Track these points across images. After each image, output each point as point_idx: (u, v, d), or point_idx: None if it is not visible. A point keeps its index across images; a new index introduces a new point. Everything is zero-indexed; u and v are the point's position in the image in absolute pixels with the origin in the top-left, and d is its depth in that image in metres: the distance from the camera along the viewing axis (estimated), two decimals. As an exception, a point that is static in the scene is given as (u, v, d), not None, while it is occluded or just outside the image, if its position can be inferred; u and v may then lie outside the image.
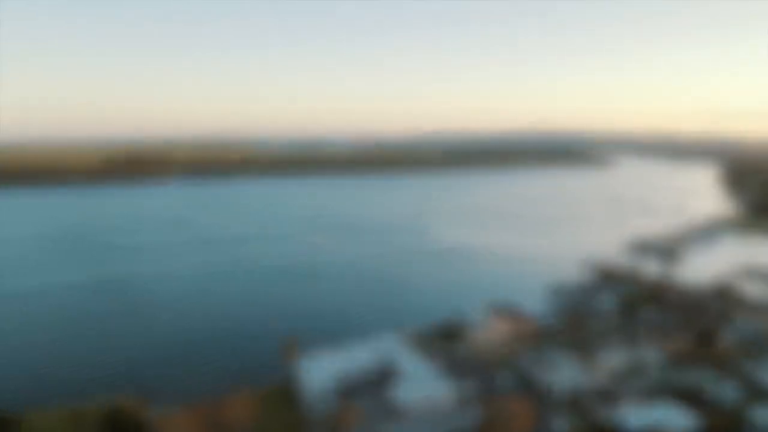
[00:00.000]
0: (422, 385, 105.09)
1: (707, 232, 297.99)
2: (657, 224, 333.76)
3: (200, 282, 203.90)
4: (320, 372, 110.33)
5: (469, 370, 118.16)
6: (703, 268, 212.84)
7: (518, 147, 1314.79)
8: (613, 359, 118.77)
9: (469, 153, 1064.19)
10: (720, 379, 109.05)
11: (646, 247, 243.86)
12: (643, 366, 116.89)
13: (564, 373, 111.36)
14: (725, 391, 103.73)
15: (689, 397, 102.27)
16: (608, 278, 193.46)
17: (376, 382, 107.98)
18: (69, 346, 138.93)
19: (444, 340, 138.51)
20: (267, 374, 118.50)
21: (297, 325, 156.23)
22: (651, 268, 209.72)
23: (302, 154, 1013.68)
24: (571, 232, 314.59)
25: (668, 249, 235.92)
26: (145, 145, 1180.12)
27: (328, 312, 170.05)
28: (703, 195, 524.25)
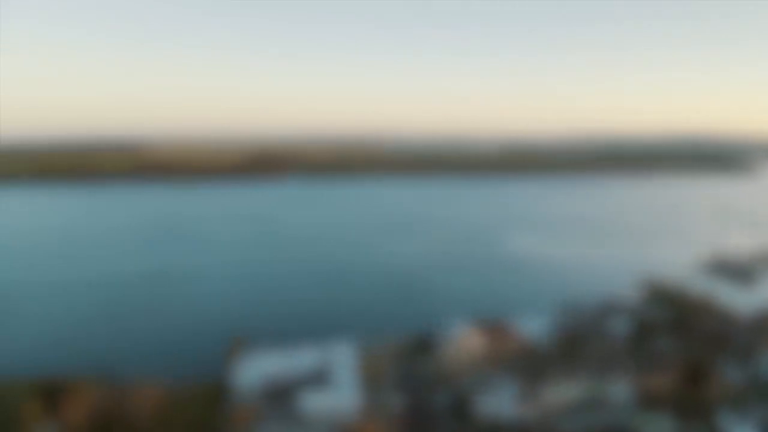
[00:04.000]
0: (337, 395, 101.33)
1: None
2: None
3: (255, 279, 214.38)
4: (251, 372, 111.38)
5: (408, 386, 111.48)
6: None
7: (658, 150, 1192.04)
8: (568, 392, 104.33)
9: (604, 156, 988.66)
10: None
11: (721, 267, 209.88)
12: (599, 404, 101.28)
13: (499, 401, 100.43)
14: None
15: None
16: (656, 298, 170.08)
17: (295, 388, 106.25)
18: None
19: (413, 352, 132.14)
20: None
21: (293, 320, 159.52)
22: (720, 291, 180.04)
23: (438, 153, 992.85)
24: (655, 246, 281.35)
25: (746, 270, 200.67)
26: (275, 143, 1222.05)
27: (329, 311, 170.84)
28: None
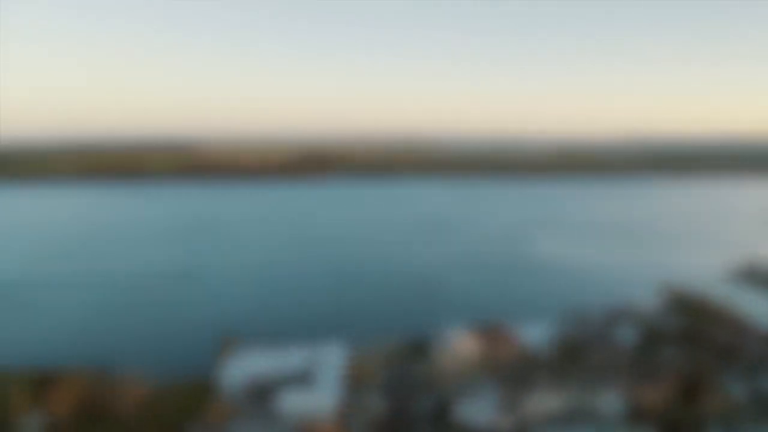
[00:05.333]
0: (315, 396, 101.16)
1: None
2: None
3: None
4: (237, 370, 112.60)
5: (394, 389, 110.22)
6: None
7: (706, 151, 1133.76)
8: (551, 402, 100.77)
9: (651, 157, 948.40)
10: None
11: (751, 274, 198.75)
12: (584, 416, 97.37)
13: (477, 409, 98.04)
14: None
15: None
16: (673, 305, 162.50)
17: (276, 387, 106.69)
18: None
19: (406, 355, 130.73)
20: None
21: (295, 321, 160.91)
22: (744, 299, 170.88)
23: (487, 154, 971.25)
24: (689, 250, 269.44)
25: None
26: (325, 143, 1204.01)
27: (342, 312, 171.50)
28: None
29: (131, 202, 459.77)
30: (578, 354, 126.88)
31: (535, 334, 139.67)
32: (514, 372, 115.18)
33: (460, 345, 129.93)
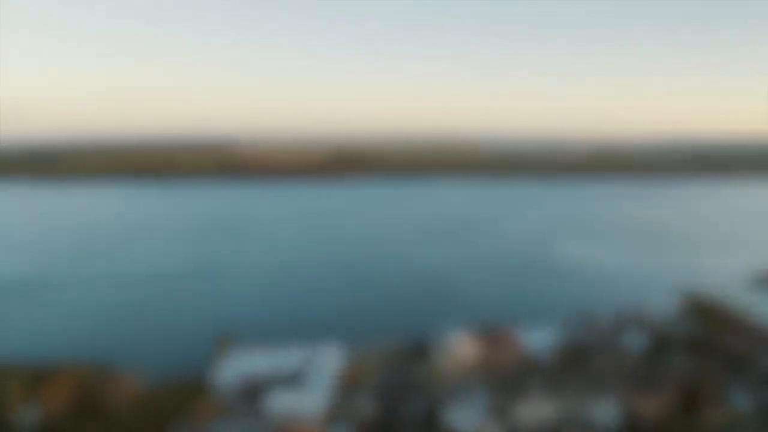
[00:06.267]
0: (304, 396, 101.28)
1: None
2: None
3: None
4: (231, 369, 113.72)
5: (387, 392, 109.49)
6: None
7: (754, 152, 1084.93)
8: (543, 410, 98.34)
9: (699, 158, 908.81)
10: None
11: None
12: (577, 425, 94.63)
13: (466, 415, 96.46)
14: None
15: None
16: (689, 311, 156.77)
17: (267, 387, 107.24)
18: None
19: (406, 357, 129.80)
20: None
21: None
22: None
23: (522, 155, 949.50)
24: (718, 254, 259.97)
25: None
26: (358, 143, 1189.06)
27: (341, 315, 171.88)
28: None
29: (163, 202, 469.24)
30: (581, 360, 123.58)
31: (539, 339, 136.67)
32: (509, 377, 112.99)
33: (461, 348, 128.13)
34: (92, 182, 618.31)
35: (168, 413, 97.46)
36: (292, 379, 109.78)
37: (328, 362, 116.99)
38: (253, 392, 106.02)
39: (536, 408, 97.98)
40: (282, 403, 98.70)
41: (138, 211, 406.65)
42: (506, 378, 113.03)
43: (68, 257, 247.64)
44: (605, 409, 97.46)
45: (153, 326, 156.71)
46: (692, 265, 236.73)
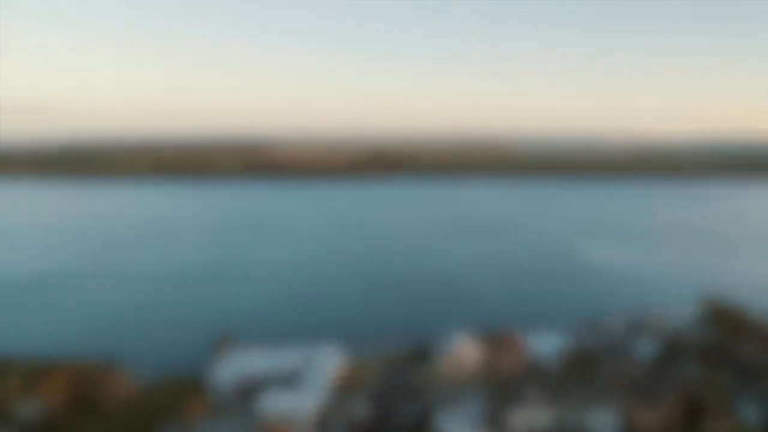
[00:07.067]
0: (297, 398, 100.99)
1: None
2: None
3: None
4: (228, 369, 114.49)
5: (382, 395, 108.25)
6: None
7: None
8: (539, 418, 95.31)
9: (743, 159, 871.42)
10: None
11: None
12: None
13: (459, 421, 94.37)
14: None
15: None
16: (707, 316, 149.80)
17: (262, 387, 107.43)
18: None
19: (407, 360, 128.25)
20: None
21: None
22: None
23: (561, 155, 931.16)
24: (746, 258, 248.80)
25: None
26: (393, 143, 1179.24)
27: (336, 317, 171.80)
28: None
29: (195, 202, 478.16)
30: (586, 367, 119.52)
31: (545, 344, 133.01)
32: (508, 383, 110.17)
33: (463, 352, 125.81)
34: (127, 182, 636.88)
35: (161, 411, 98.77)
36: (288, 380, 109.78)
37: (325, 364, 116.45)
38: (248, 392, 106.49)
39: (532, 415, 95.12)
40: (274, 403, 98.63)
41: (168, 210, 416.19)
42: (505, 383, 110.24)
43: (90, 256, 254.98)
44: (604, 419, 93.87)
45: (160, 325, 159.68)
46: (720, 269, 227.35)
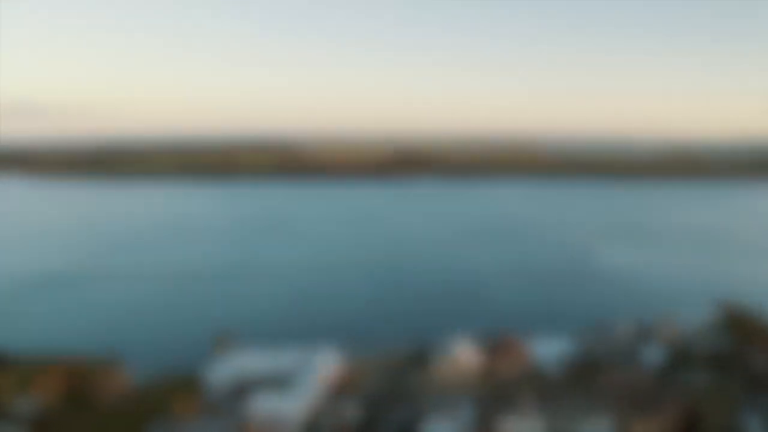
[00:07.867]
0: (285, 399, 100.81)
1: None
2: None
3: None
4: (223, 369, 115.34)
5: (373, 399, 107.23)
6: None
7: None
8: (531, 426, 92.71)
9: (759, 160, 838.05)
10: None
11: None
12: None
13: (446, 428, 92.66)
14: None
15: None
16: (724, 323, 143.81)
17: (254, 388, 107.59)
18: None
19: (405, 364, 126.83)
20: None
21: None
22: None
23: (590, 155, 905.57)
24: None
25: None
26: (421, 143, 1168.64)
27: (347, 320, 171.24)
28: None
29: (223, 201, 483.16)
30: (588, 374, 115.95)
31: (549, 349, 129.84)
32: (503, 389, 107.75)
33: (463, 356, 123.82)
34: (157, 181, 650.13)
35: (155, 409, 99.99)
36: (281, 382, 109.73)
37: (320, 366, 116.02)
38: (241, 392, 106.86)
39: (524, 423, 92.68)
40: (262, 404, 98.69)
41: (193, 210, 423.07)
42: (501, 389, 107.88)
43: (107, 254, 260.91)
44: (599, 429, 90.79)
45: (164, 324, 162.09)
46: (738, 273, 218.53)
